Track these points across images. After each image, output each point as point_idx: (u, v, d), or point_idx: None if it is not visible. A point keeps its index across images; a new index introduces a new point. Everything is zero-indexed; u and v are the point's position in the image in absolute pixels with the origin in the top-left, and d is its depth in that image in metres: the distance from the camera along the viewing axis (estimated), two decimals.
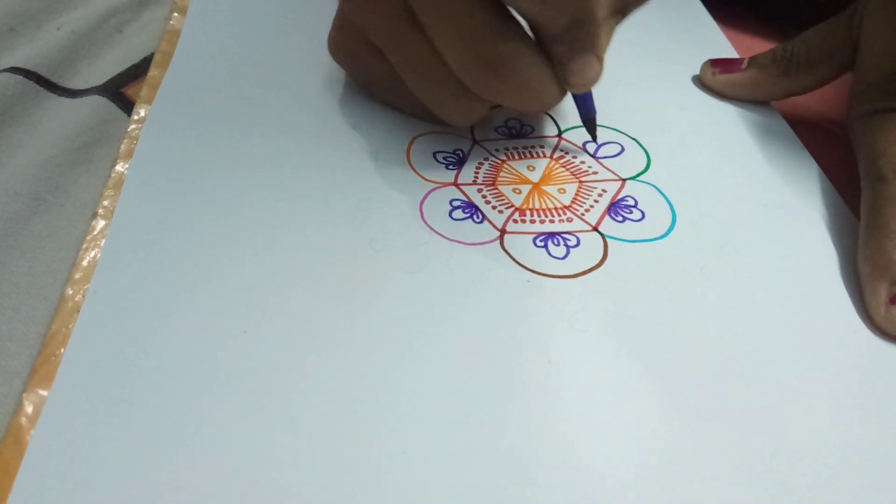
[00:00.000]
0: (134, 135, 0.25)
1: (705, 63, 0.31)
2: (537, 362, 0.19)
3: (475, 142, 0.27)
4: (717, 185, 0.26)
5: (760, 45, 0.32)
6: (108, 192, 0.23)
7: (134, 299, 0.19)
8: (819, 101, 0.31)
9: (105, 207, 0.22)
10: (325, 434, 0.17)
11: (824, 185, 0.27)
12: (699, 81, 0.31)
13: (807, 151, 0.28)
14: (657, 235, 0.24)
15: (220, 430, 0.17)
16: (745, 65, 0.30)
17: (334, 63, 0.27)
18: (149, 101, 0.26)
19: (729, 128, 0.29)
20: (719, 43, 0.34)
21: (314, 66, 0.29)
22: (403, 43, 0.23)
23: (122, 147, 0.24)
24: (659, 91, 0.30)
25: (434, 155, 0.26)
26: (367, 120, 0.27)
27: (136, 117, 0.25)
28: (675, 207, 0.25)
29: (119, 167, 0.23)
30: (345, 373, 0.18)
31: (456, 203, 0.24)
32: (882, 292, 0.21)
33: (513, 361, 0.19)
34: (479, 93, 0.23)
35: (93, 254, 0.21)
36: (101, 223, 0.22)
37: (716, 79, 0.30)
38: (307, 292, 0.20)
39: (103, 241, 0.21)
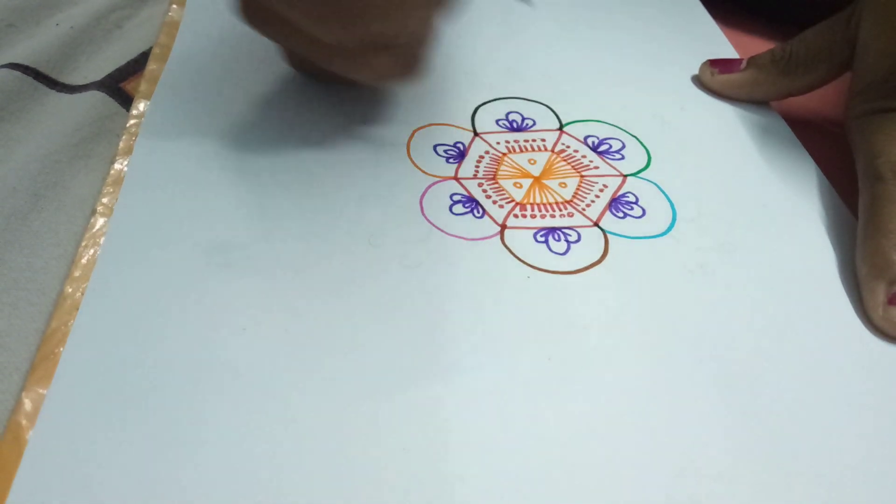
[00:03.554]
0: (133, 130, 0.25)
1: (704, 63, 0.31)
2: (537, 359, 0.19)
3: (476, 134, 0.27)
4: (716, 184, 0.26)
5: (760, 45, 0.32)
6: (108, 189, 0.23)
7: (133, 297, 0.19)
8: (817, 101, 0.32)
9: (104, 205, 0.22)
10: (324, 431, 0.17)
11: (822, 185, 0.27)
12: (698, 81, 0.31)
13: (805, 151, 0.28)
14: (657, 233, 0.24)
15: (220, 428, 0.17)
16: (743, 65, 0.30)
17: None
18: (147, 96, 0.26)
19: (728, 128, 0.29)
20: (719, 43, 0.34)
21: None
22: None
23: (122, 143, 0.24)
24: (659, 90, 0.30)
25: (434, 148, 0.26)
26: (367, 113, 0.27)
27: (134, 112, 0.25)
28: (675, 205, 0.25)
29: (118, 164, 0.23)
30: (344, 368, 0.18)
31: (456, 197, 0.24)
32: (880, 292, 0.22)
33: (512, 358, 0.19)
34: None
35: (92, 251, 0.21)
36: (100, 221, 0.21)
37: (715, 79, 0.30)
38: (307, 288, 0.20)
39: (102, 239, 0.21)
